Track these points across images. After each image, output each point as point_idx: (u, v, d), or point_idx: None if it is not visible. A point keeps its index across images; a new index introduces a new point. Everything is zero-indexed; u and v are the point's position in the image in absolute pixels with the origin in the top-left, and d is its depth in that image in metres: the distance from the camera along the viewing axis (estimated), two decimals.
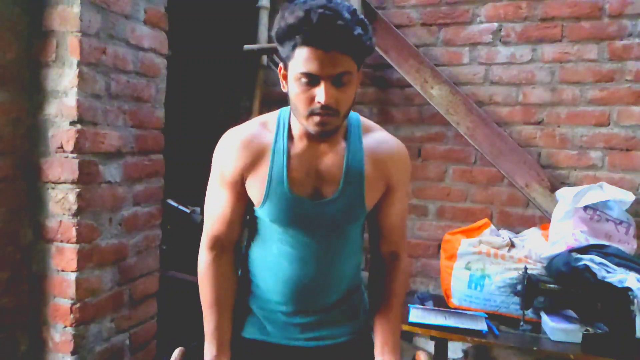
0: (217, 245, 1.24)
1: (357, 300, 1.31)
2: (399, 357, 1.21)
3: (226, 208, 1.21)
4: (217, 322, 1.22)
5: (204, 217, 1.26)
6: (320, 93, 1.01)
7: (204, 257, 1.25)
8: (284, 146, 1.14)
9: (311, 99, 1.03)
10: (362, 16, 1.04)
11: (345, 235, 1.23)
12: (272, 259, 1.22)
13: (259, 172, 1.15)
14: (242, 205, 1.21)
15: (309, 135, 1.13)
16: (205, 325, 1.23)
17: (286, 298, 1.22)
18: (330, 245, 1.21)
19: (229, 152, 1.17)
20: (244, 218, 1.25)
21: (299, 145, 1.15)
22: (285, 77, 1.09)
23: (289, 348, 1.23)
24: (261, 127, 1.19)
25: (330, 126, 1.06)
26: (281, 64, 1.09)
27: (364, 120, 1.23)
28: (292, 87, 1.05)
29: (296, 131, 1.16)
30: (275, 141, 1.15)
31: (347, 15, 0.99)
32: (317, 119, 1.04)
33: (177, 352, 1.21)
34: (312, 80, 1.02)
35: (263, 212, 1.18)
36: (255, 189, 1.16)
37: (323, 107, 1.02)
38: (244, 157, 1.16)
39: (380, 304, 1.27)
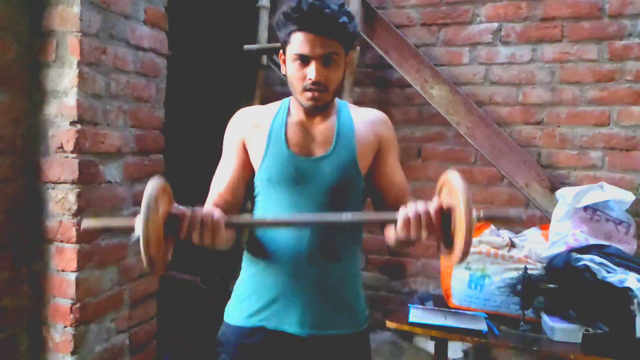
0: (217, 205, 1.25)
1: (355, 294, 1.32)
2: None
3: (230, 172, 1.27)
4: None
5: (210, 188, 1.29)
6: (311, 71, 1.18)
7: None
8: (284, 116, 1.29)
9: (304, 77, 1.20)
10: (348, 8, 1.22)
11: (342, 204, 1.25)
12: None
13: (260, 136, 1.28)
14: (246, 173, 1.28)
15: (305, 110, 1.28)
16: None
17: (285, 269, 1.24)
18: (327, 211, 1.23)
19: (234, 122, 1.33)
20: (244, 199, 1.30)
21: (297, 116, 1.29)
22: (284, 61, 1.25)
23: (284, 334, 1.24)
24: (265, 107, 1.37)
25: (321, 101, 1.22)
26: (281, 51, 1.26)
27: (350, 104, 1.39)
28: (289, 67, 1.22)
29: (295, 110, 1.30)
30: (277, 113, 1.31)
31: (334, 6, 1.17)
32: (309, 94, 1.20)
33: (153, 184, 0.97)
34: (304, 60, 1.19)
35: (262, 173, 1.25)
36: (256, 149, 1.27)
37: (314, 82, 1.18)
38: (246, 122, 1.31)
39: None
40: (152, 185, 0.96)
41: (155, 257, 0.95)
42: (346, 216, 1.10)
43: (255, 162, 1.27)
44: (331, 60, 1.19)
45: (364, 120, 1.32)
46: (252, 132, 1.29)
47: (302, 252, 1.23)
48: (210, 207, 1.12)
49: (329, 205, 1.24)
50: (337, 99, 1.34)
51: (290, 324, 1.24)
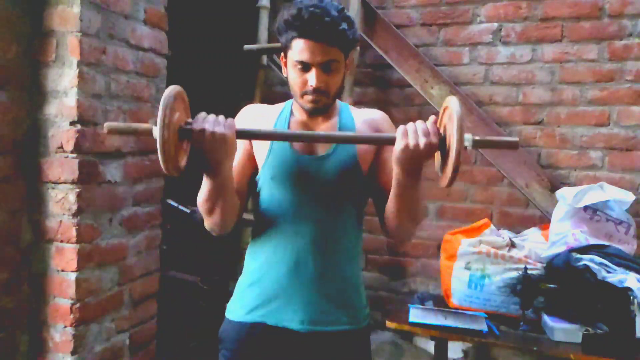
0: None
1: (355, 291, 1.33)
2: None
3: (235, 164, 1.26)
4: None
5: None
6: (311, 78, 1.20)
7: None
8: (287, 116, 1.32)
9: (304, 83, 1.22)
10: (347, 13, 1.23)
11: (344, 202, 1.28)
12: (273, 222, 1.29)
13: None
14: (250, 166, 1.30)
15: (306, 112, 1.30)
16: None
17: (286, 265, 1.26)
18: (328, 209, 1.27)
19: (242, 115, 1.35)
20: (248, 191, 1.32)
21: (299, 116, 1.32)
22: (285, 64, 1.27)
23: (285, 330, 1.25)
24: (271, 106, 1.39)
25: (321, 104, 1.24)
26: (282, 53, 1.27)
27: (352, 106, 1.42)
28: (290, 72, 1.25)
29: (297, 110, 1.33)
30: (281, 113, 1.34)
31: (334, 12, 1.18)
32: (309, 98, 1.23)
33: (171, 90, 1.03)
34: (305, 66, 1.20)
35: (265, 171, 1.28)
36: (261, 146, 1.30)
37: (314, 89, 1.21)
38: (254, 118, 1.33)
39: None
40: (170, 90, 1.01)
41: (169, 157, 1.00)
42: (349, 134, 1.20)
43: (259, 159, 1.30)
44: (331, 67, 1.21)
45: (364, 119, 1.35)
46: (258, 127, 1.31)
47: (303, 247, 1.25)
48: None
49: (331, 203, 1.27)
50: (338, 101, 1.36)
51: (290, 320, 1.25)
